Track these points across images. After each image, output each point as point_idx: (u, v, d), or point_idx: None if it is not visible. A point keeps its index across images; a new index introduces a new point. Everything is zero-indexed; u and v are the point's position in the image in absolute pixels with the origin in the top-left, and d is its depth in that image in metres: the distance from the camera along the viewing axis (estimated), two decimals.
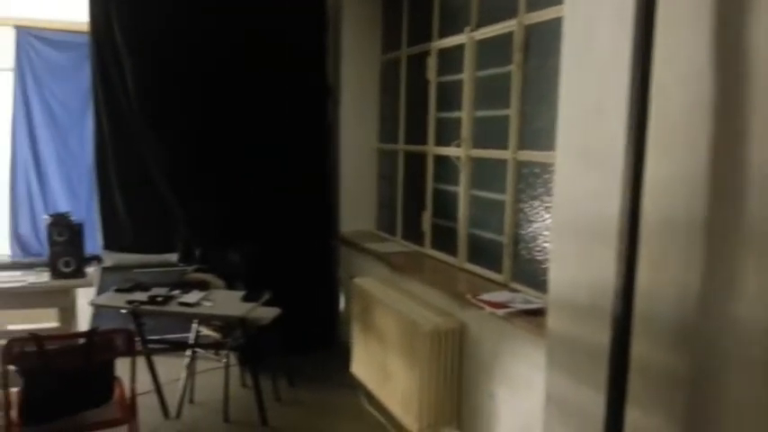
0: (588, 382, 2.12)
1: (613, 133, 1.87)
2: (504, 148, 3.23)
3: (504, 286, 3.24)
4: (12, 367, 2.53)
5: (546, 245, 2.94)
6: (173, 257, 4.54)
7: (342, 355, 4.53)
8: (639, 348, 1.84)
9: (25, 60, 6.95)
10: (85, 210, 6.87)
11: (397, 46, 4.47)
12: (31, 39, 6.95)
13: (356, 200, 4.85)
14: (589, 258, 2.07)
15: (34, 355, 2.49)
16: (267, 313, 3.32)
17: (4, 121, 6.93)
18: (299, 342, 4.37)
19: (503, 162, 3.26)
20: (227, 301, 3.24)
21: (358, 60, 4.73)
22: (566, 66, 2.19)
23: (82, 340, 2.60)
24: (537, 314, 2.74)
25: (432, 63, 3.96)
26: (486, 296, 3.03)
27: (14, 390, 2.60)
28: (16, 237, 7.05)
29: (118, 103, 4.12)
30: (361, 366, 4.00)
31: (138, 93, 4.05)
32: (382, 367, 3.67)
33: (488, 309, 2.88)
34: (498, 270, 3.32)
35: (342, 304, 4.87)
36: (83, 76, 6.87)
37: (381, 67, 4.77)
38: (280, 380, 4.04)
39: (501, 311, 2.82)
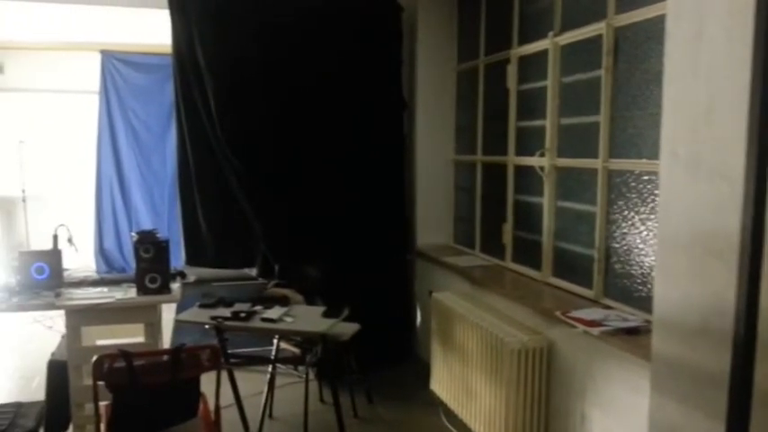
0: (700, 410, 1.95)
1: (727, 140, 1.72)
2: (594, 156, 3.07)
3: (594, 302, 3.07)
4: (101, 382, 2.56)
5: (642, 258, 2.76)
6: (251, 272, 4.59)
7: (419, 371, 4.44)
8: (764, 375, 1.66)
9: (110, 83, 7.27)
10: (166, 226, 7.11)
11: (474, 55, 4.37)
12: (115, 62, 7.27)
13: (432, 213, 4.76)
14: (702, 275, 1.90)
15: (123, 371, 2.52)
16: (347, 329, 3.27)
17: (90, 142, 7.26)
18: (376, 358, 4.31)
19: (592, 171, 3.10)
20: (309, 317, 3.21)
21: (433, 71, 4.66)
22: (670, 68, 2.04)
23: (168, 356, 2.61)
24: (634, 333, 2.58)
25: (512, 71, 3.84)
26: (577, 313, 2.87)
27: (104, 404, 2.63)
28: (101, 252, 7.37)
29: (200, 122, 4.20)
30: (441, 384, 3.89)
31: (219, 112, 4.12)
32: (464, 385, 3.55)
33: (581, 327, 2.72)
34: (587, 285, 3.15)
35: (418, 319, 4.78)
36: (163, 97, 7.14)
37: (457, 77, 4.68)
38: (358, 396, 3.98)
39: (595, 330, 2.66)
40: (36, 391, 4.03)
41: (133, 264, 6.71)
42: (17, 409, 3.50)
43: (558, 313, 2.91)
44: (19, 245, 6.99)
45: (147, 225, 7.03)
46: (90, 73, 7.19)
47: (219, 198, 4.29)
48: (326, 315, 3.23)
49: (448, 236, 4.80)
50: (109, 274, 3.96)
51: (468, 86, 4.50)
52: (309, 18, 4.22)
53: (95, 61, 7.19)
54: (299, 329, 3.12)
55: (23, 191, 7.13)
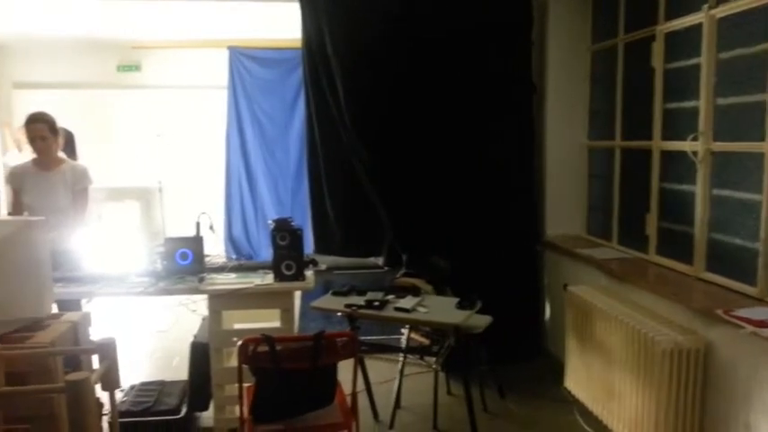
0: None
1: None
2: (759, 138, 2.77)
3: (758, 301, 2.77)
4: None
5: None
6: (377, 261, 4.59)
7: (550, 366, 4.27)
8: None
9: (237, 78, 7.57)
10: (290, 215, 7.31)
11: (612, 33, 4.09)
12: (242, 58, 7.55)
13: (563, 201, 4.53)
14: None
15: (266, 355, 2.56)
16: (480, 321, 3.17)
17: (220, 135, 7.60)
18: (505, 351, 4.17)
19: (757, 156, 2.79)
20: (442, 308, 3.14)
21: (565, 52, 4.42)
22: None
23: (309, 342, 2.63)
24: None
25: (658, 48, 3.55)
26: (742, 312, 2.60)
27: (246, 385, 2.70)
28: (230, 239, 7.72)
29: (328, 112, 4.24)
30: (578, 381, 3.70)
31: (347, 101, 4.14)
32: (605, 385, 3.34)
33: (750, 327, 2.46)
34: (751, 282, 2.85)
35: (547, 313, 4.58)
36: (286, 91, 7.35)
37: (592, 57, 4.41)
38: (487, 390, 3.87)
39: (767, 331, 2.39)
40: (176, 370, 4.25)
41: (260, 251, 6.96)
42: (161, 387, 3.70)
43: (719, 312, 2.65)
44: (156, 233, 7.46)
45: (272, 214, 7.28)
46: (219, 68, 7.51)
47: (347, 187, 4.31)
48: (461, 307, 3.14)
49: (580, 226, 4.56)
50: (246, 261, 4.09)
51: (605, 67, 4.23)
52: (436, 6, 4.12)
53: (223, 57, 7.50)
54: (434, 320, 3.06)
55: (159, 181, 7.58)
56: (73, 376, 1.70)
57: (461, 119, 4.19)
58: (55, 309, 3.17)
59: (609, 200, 4.18)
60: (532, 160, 4.48)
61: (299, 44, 4.42)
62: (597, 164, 4.40)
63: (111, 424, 2.14)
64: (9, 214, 3.91)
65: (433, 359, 3.60)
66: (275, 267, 3.26)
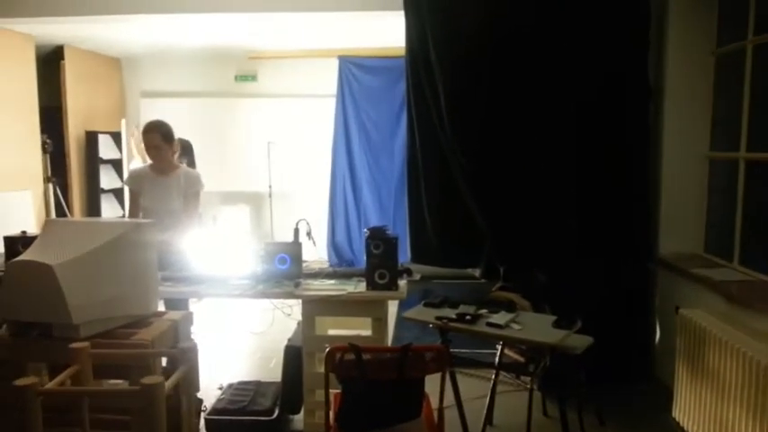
0: None
1: None
2: None
3: None
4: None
5: None
6: (474, 272, 4.48)
7: (658, 394, 3.97)
8: None
9: (346, 86, 7.74)
10: (392, 223, 7.37)
11: (741, 35, 3.75)
12: (350, 66, 7.71)
13: (680, 216, 4.19)
14: None
15: (352, 364, 2.55)
16: (580, 342, 2.98)
17: (327, 142, 7.80)
18: (608, 375, 3.93)
19: None
20: (537, 326, 3.00)
21: (686, 55, 4.09)
22: None
23: (395, 354, 2.59)
24: None
25: None
26: None
27: (333, 392, 2.71)
28: (333, 245, 7.88)
29: (429, 120, 4.20)
30: (687, 413, 3.40)
31: (448, 109, 4.07)
32: (718, 420, 3.05)
33: None
34: None
35: (657, 336, 4.27)
36: (393, 99, 7.42)
37: (716, 61, 4.07)
38: (587, 414, 3.66)
39: None
40: (272, 370, 4.37)
41: (361, 257, 7.04)
42: (257, 387, 3.82)
43: None
44: (265, 236, 7.76)
45: (374, 222, 7.36)
46: (328, 77, 7.72)
47: (446, 196, 4.24)
48: (557, 326, 2.98)
49: (697, 244, 4.21)
50: (341, 268, 4.13)
51: (731, 72, 3.88)
52: (542, 5, 3.96)
53: (333, 66, 7.70)
54: (527, 338, 2.92)
55: (270, 187, 7.88)
56: (147, 380, 1.76)
57: (568, 125, 3.98)
58: (162, 306, 3.36)
59: (731, 216, 3.82)
60: (647, 171, 4.18)
61: None
62: (718, 176, 4.04)
63: (188, 426, 2.21)
64: (128, 216, 4.19)
65: (528, 378, 3.45)
66: (368, 276, 3.26)
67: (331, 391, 2.66)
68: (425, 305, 3.25)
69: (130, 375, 2.40)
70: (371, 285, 3.25)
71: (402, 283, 3.38)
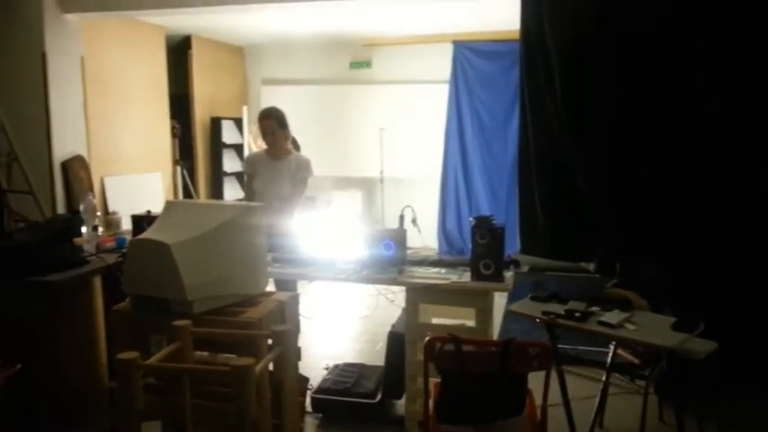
0: None
1: None
2: None
3: None
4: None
5: None
6: (588, 266, 4.27)
7: None
8: None
9: (460, 71, 7.64)
10: (504, 211, 7.20)
11: None
12: (465, 51, 7.58)
13: None
14: None
15: (452, 355, 2.51)
16: (701, 346, 2.74)
17: (439, 128, 7.74)
18: (732, 383, 3.60)
19: None
20: (654, 327, 2.79)
21: None
22: None
23: (497, 348, 2.52)
24: None
25: None
26: None
27: (434, 380, 2.68)
28: (443, 232, 7.84)
29: (544, 107, 4.02)
30: None
31: (564, 95, 3.87)
32: None
33: None
34: None
35: None
36: (508, 84, 7.21)
37: None
38: (707, 423, 3.38)
39: None
40: (378, 354, 4.41)
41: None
42: (361, 370, 3.88)
43: None
44: (375, 222, 7.86)
45: (485, 209, 7.23)
46: (442, 63, 7.64)
47: (559, 186, 4.05)
48: (677, 328, 2.76)
49: None
50: (447, 256, 4.08)
51: None
52: None
53: (447, 51, 7.60)
54: (642, 340, 2.73)
55: (381, 172, 7.96)
56: (239, 361, 1.80)
57: (695, 112, 3.65)
58: (273, 287, 3.48)
59: None
60: None
61: None
62: None
63: (289, 405, 2.26)
64: (244, 198, 4.38)
65: (643, 381, 3.24)
66: (473, 266, 3.19)
67: (432, 380, 2.64)
68: (532, 299, 3.13)
69: (237, 352, 2.51)
70: (476, 276, 3.18)
71: (508, 274, 3.28)
